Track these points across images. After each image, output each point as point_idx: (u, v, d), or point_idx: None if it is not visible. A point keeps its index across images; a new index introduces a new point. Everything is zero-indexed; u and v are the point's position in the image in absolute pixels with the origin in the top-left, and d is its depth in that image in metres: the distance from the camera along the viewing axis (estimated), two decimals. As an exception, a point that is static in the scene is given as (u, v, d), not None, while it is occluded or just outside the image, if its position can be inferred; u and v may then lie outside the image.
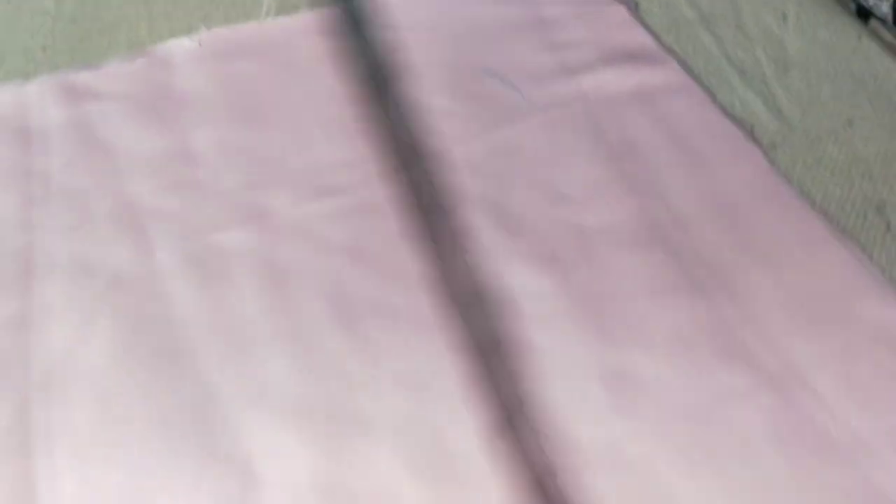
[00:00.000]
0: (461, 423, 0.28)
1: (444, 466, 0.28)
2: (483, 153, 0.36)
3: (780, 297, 0.32)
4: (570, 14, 0.42)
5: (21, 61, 0.40)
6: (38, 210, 0.34)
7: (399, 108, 0.36)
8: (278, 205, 0.34)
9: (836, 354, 0.30)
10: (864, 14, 0.43)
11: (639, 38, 0.41)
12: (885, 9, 0.42)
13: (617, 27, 0.41)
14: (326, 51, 0.38)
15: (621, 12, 0.42)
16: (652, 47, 0.41)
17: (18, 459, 0.28)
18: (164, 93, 0.38)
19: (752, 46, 0.41)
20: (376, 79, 0.37)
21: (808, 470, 0.28)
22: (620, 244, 0.34)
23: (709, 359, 0.30)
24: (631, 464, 0.28)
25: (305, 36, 0.40)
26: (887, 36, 0.42)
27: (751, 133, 0.37)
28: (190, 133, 0.37)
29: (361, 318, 0.31)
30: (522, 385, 0.29)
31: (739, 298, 0.32)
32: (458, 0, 0.43)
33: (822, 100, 0.39)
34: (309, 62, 0.39)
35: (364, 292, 0.32)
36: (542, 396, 0.29)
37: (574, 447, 0.28)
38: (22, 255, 0.33)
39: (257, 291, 0.32)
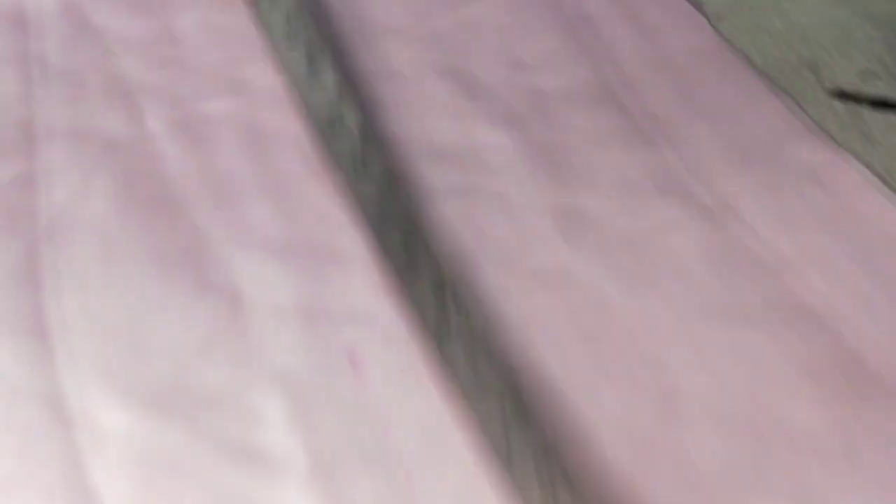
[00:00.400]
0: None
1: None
2: (449, 27, 0.39)
3: (717, 144, 0.35)
4: None
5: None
6: (37, 88, 0.37)
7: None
8: (256, 77, 0.37)
9: (765, 189, 0.33)
10: None
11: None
12: None
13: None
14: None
15: None
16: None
17: (28, 293, 0.31)
18: (149, -17, 0.41)
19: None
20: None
21: (735, 283, 0.31)
22: (574, 103, 0.37)
23: (650, 196, 0.33)
24: (579, 284, 0.31)
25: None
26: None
27: (699, 6, 0.40)
28: (174, 17, 0.39)
29: (334, 172, 0.34)
30: (483, 223, 0.33)
31: (681, 146, 0.35)
32: None
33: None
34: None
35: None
36: (501, 230, 0.32)
37: (529, 273, 0.31)
38: (24, 125, 0.36)
39: (240, 150, 0.35)
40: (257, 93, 0.37)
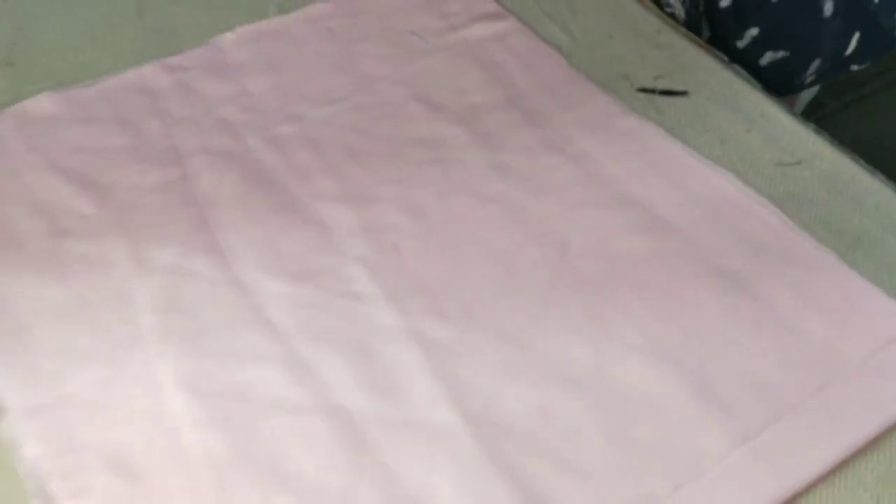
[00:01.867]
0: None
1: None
2: (408, 74, 0.65)
3: (575, 122, 0.61)
4: (450, -2, 0.72)
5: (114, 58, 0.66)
6: (170, 128, 0.61)
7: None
8: (306, 113, 0.62)
9: (604, 143, 0.60)
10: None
11: (490, 6, 0.71)
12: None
13: (477, 1, 0.71)
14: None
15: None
16: (499, 10, 0.70)
17: (206, 234, 0.54)
18: (222, 62, 0.66)
19: (557, 2, 0.71)
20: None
21: (594, 190, 0.57)
22: (493, 110, 0.62)
23: (543, 154, 0.59)
24: (506, 198, 0.57)
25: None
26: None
27: (558, 49, 0.67)
28: (246, 81, 0.64)
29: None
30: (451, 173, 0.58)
31: (556, 125, 0.61)
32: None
33: (596, 27, 0.69)
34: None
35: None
36: (461, 176, 0.58)
37: (475, 193, 0.57)
38: (171, 150, 0.59)
39: (303, 150, 0.60)
40: (309, 121, 0.62)
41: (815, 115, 0.73)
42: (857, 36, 0.71)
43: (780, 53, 0.71)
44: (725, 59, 0.66)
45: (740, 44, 0.71)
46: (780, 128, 0.61)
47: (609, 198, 0.57)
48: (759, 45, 0.70)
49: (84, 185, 0.58)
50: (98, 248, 0.54)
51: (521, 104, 0.63)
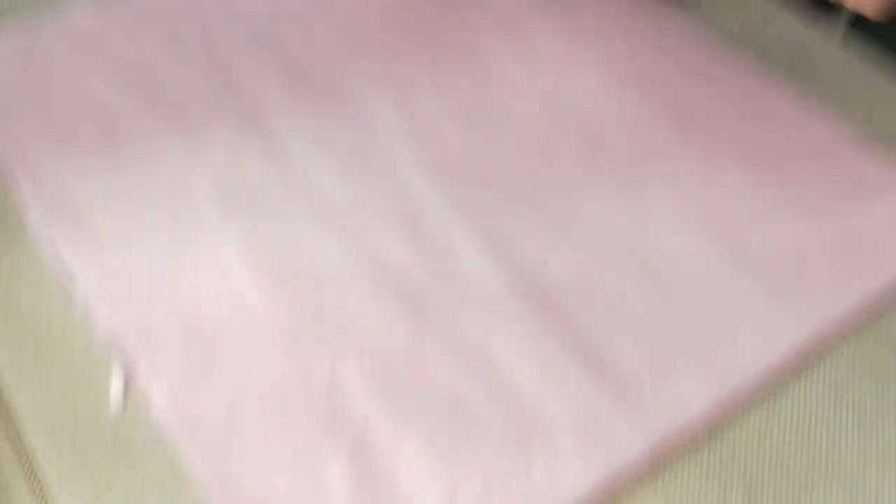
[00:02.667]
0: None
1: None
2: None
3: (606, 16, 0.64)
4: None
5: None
6: (214, 46, 0.63)
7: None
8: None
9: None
10: None
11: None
12: None
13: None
14: None
15: None
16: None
17: (252, 121, 0.57)
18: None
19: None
20: None
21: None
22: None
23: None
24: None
25: None
26: None
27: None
28: None
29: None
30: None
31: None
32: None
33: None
34: None
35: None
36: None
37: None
38: (212, 53, 0.62)
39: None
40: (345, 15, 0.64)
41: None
42: None
43: None
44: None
45: None
46: (790, 24, 0.64)
47: (638, 77, 0.60)
48: None
49: (132, 85, 0.60)
50: (151, 141, 0.56)
51: (548, 7, 0.66)
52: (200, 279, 0.50)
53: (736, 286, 0.49)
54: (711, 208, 0.53)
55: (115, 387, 0.46)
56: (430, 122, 0.57)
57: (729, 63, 0.61)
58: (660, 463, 0.43)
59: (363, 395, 0.45)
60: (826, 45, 0.63)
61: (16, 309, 0.49)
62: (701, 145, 0.57)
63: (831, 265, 0.50)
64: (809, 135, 0.57)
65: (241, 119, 0.58)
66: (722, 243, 0.51)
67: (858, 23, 0.61)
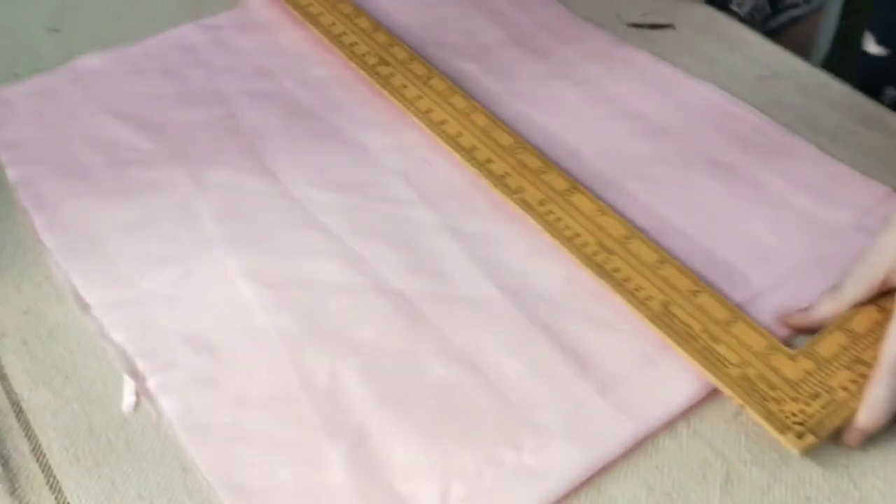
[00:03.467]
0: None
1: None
2: (423, 20, 0.72)
3: (580, 52, 0.68)
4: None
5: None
6: (217, 85, 0.67)
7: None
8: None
9: (607, 71, 0.67)
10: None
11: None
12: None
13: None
14: None
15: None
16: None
17: (255, 159, 0.61)
18: (252, 21, 0.72)
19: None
20: None
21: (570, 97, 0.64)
22: (502, 47, 0.70)
23: (547, 79, 0.66)
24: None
25: None
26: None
27: (555, -3, 0.75)
28: (277, 35, 0.71)
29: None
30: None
31: (561, 52, 0.68)
32: None
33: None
34: None
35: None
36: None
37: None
38: (215, 93, 0.66)
39: (336, 92, 0.66)
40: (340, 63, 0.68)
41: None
42: None
43: None
44: (703, -3, 0.74)
45: None
46: (759, 49, 0.68)
47: (612, 112, 0.64)
48: None
49: (139, 124, 0.64)
50: (158, 173, 0.60)
51: (526, 42, 0.70)
52: (207, 297, 0.53)
53: (714, 287, 0.52)
54: (683, 215, 0.56)
55: (127, 393, 0.48)
56: (419, 157, 0.61)
57: (697, 88, 0.65)
58: (641, 448, 0.46)
59: (360, 393, 0.48)
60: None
61: (34, 326, 0.52)
62: (672, 157, 0.60)
63: (807, 265, 0.53)
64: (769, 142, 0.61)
65: (242, 155, 0.62)
66: (696, 245, 0.54)
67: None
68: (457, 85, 0.65)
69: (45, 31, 0.73)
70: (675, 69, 0.67)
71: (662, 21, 0.71)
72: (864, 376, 0.47)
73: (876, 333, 0.48)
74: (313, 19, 0.72)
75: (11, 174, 0.61)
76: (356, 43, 0.69)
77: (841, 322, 0.49)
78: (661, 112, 0.64)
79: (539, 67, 0.68)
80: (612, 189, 0.58)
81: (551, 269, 0.54)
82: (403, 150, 0.62)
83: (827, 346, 0.48)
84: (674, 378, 0.48)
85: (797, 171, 0.59)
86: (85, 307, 0.53)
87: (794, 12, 0.86)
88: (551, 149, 0.61)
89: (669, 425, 0.47)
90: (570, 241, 0.54)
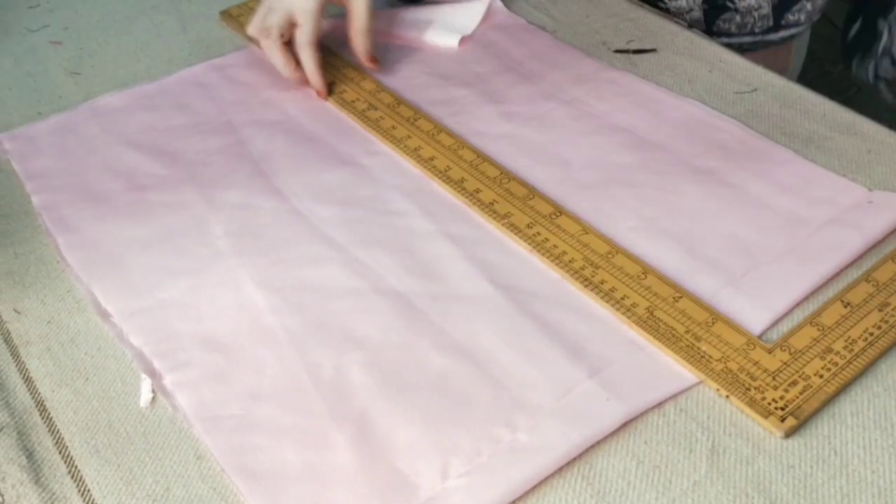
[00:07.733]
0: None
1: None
2: (421, 55, 0.76)
3: (566, 77, 0.72)
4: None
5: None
6: (228, 116, 0.72)
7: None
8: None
9: (595, 93, 0.71)
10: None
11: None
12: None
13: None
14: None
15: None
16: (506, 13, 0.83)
17: (265, 181, 0.64)
18: (260, 60, 0.77)
19: (538, -3, 0.83)
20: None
21: (560, 118, 0.68)
22: (495, 75, 0.74)
23: (541, 102, 0.70)
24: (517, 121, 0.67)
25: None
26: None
27: (542, 28, 0.79)
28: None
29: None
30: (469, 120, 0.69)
31: (548, 80, 0.72)
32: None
33: (575, 10, 0.81)
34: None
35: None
36: (477, 122, 0.68)
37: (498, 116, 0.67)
38: (226, 124, 0.70)
39: (321, 127, 0.70)
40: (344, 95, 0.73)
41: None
42: None
43: None
44: (685, 24, 0.78)
45: None
46: (737, 67, 0.72)
47: (599, 127, 0.68)
48: None
49: (155, 153, 0.68)
50: (173, 196, 0.64)
51: (517, 69, 0.75)
52: (218, 303, 0.56)
53: (696, 280, 0.55)
54: (668, 217, 0.59)
55: (145, 391, 0.51)
56: (416, 174, 0.65)
57: (679, 104, 0.69)
58: (631, 425, 0.48)
59: (364, 383, 0.50)
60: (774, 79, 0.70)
61: (56, 334, 0.55)
62: (656, 166, 0.64)
63: (784, 258, 0.56)
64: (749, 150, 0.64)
65: (251, 177, 0.65)
66: (679, 244, 0.57)
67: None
68: (448, 120, 0.69)
69: (66, 74, 0.78)
70: (658, 88, 0.71)
71: (647, 47, 0.75)
72: (836, 364, 0.49)
73: (842, 326, 0.51)
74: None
75: (36, 201, 0.65)
76: (345, 90, 0.73)
77: (811, 317, 0.52)
78: (646, 126, 0.67)
79: (529, 90, 0.72)
80: (600, 195, 0.62)
81: (542, 267, 0.57)
82: (401, 170, 0.65)
83: (800, 339, 0.51)
84: (661, 360, 0.51)
85: (776, 174, 0.62)
86: (105, 315, 0.56)
87: (794, 30, 0.91)
88: (542, 160, 0.65)
89: (658, 404, 0.49)
90: (557, 259, 0.57)
